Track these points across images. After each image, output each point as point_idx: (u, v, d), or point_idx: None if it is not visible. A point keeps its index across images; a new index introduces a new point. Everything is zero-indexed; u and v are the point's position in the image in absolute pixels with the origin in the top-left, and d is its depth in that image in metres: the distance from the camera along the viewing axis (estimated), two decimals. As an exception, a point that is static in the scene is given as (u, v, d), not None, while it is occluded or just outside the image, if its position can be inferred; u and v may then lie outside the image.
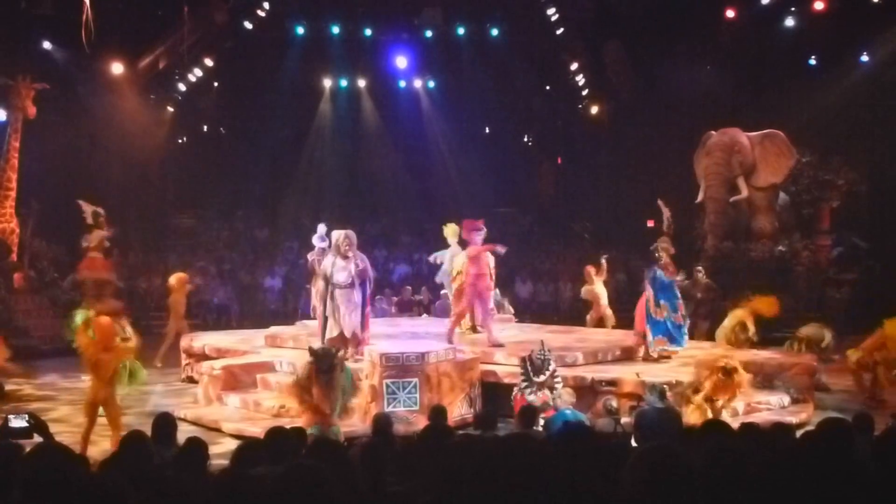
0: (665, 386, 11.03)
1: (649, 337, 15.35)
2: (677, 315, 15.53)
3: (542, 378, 12.50)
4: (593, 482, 4.01)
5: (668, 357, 15.22)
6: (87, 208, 22.31)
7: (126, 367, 12.53)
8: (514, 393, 12.72)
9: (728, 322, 16.63)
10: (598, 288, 19.76)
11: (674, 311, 15.50)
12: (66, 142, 24.07)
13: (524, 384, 12.54)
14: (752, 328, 16.16)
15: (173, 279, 19.80)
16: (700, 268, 20.88)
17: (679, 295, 15.81)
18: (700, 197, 23.49)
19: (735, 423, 7.40)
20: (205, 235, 30.81)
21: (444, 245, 18.24)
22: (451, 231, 17.84)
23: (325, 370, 11.17)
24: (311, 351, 11.56)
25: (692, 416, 11.25)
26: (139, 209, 25.54)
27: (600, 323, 19.51)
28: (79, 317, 12.71)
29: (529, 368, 12.59)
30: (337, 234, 14.93)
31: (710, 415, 11.36)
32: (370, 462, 5.39)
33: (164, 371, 18.11)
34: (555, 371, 12.70)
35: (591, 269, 19.81)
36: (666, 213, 17.25)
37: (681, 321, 15.59)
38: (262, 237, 31.57)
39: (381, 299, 22.20)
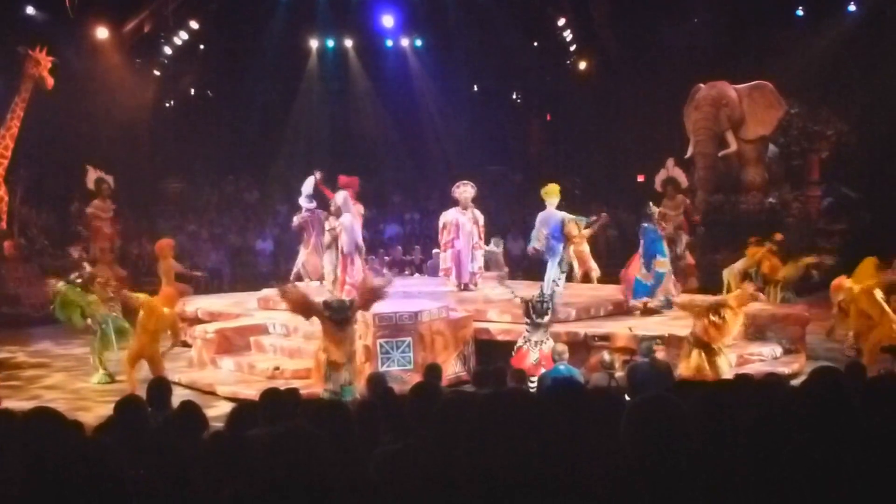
0: (652, 341, 10.89)
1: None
2: (647, 274, 15.72)
3: (544, 320, 12.61)
4: (587, 435, 4.02)
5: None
6: (92, 174, 22.19)
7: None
8: (517, 345, 12.78)
9: (740, 264, 16.82)
10: (583, 247, 19.65)
11: (646, 269, 15.73)
12: (53, 108, 23.83)
13: (527, 334, 12.64)
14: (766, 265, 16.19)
15: (157, 246, 19.61)
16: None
17: (659, 255, 15.90)
18: (689, 152, 23.45)
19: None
20: (194, 199, 30.69)
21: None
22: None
23: (339, 322, 11.30)
24: (326, 304, 11.65)
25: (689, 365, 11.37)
26: (128, 174, 25.38)
27: (586, 279, 19.47)
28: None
29: (532, 311, 12.68)
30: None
31: (706, 365, 11.40)
32: (366, 421, 5.41)
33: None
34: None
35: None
36: None
37: (650, 280, 15.73)
38: (253, 200, 31.44)
39: (372, 259, 22.18)
